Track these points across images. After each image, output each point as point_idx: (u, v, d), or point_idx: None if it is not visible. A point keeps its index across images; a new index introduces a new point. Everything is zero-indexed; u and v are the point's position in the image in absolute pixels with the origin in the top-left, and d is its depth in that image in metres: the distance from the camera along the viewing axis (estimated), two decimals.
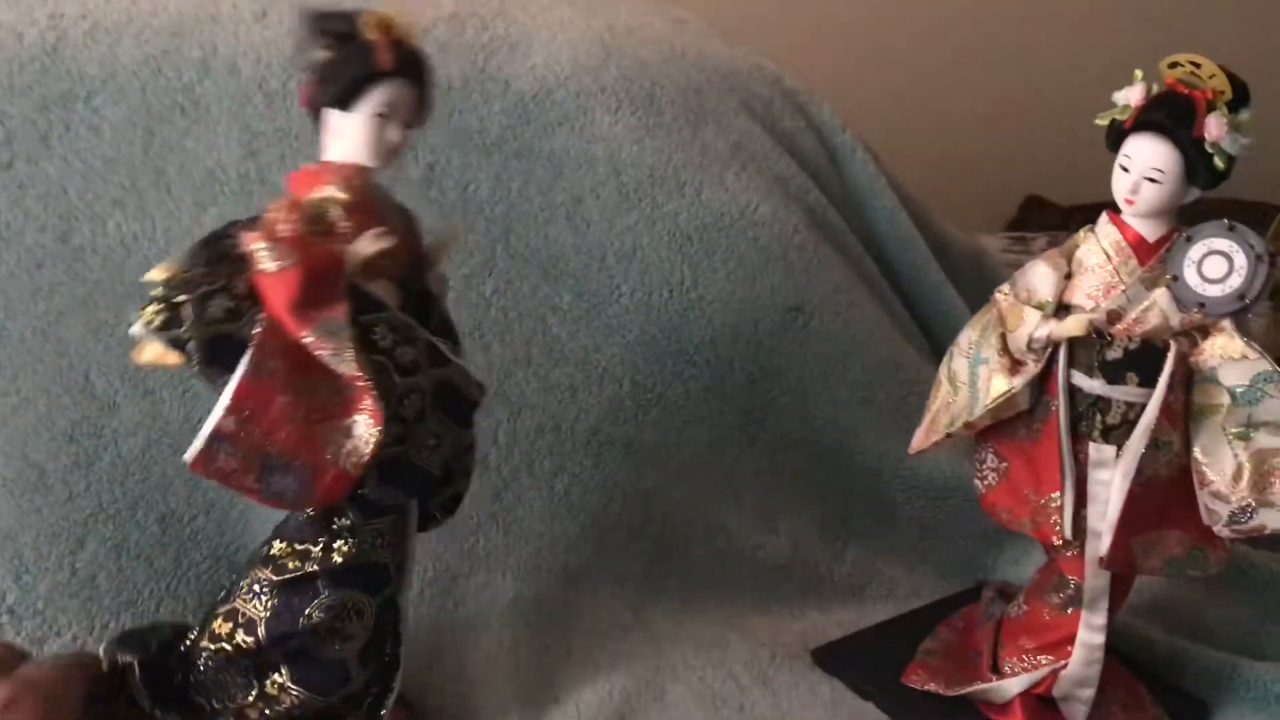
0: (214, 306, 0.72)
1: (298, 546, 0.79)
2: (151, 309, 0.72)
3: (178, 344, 0.72)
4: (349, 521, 0.79)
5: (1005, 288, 0.88)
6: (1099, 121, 0.83)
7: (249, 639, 0.79)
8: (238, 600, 0.80)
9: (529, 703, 0.92)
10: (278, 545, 0.80)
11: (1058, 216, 2.61)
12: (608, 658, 0.98)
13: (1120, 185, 0.82)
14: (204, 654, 0.81)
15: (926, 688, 0.95)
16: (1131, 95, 0.81)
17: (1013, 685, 0.92)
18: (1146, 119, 0.80)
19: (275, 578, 0.79)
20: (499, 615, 1.00)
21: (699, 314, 1.12)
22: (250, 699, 0.80)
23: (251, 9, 1.09)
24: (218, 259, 0.74)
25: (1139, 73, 0.81)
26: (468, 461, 0.85)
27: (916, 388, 1.14)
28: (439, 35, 1.12)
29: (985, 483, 0.93)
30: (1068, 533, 0.86)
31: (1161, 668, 1.00)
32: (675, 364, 1.12)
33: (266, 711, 0.80)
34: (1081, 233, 0.88)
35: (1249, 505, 0.81)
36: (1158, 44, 0.82)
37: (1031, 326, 0.85)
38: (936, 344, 1.24)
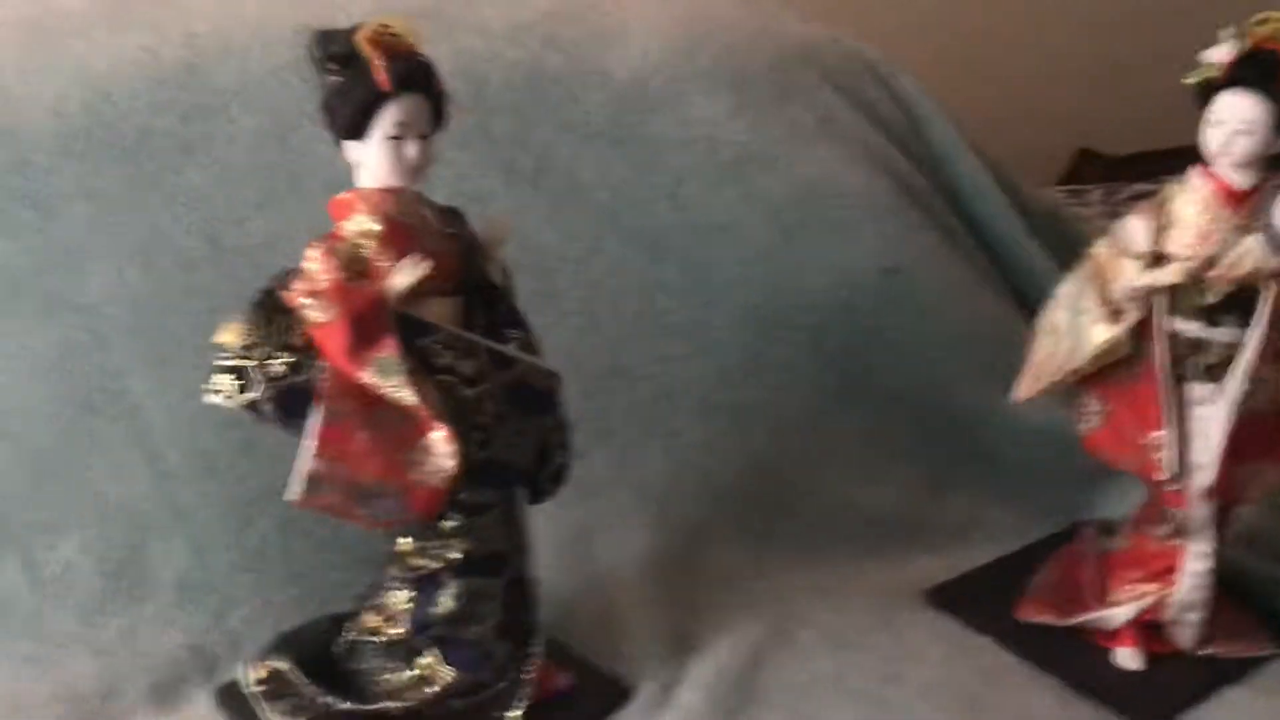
0: (276, 365, 0.78)
1: (420, 543, 0.86)
2: (222, 379, 0.78)
3: (254, 408, 0.78)
4: (456, 523, 0.85)
5: (1104, 242, 0.94)
6: (1188, 81, 0.88)
7: (397, 630, 0.88)
8: (382, 594, 0.89)
9: (671, 647, 0.99)
10: (403, 543, 0.87)
11: (1110, 168, 2.63)
12: (737, 605, 1.04)
13: (1212, 139, 0.88)
14: (362, 645, 0.89)
15: (1040, 619, 1.01)
16: (1220, 54, 0.86)
17: (1121, 612, 0.98)
18: (1237, 76, 0.85)
19: (407, 575, 0.87)
20: (633, 567, 1.07)
21: (798, 281, 1.18)
22: (409, 681, 0.88)
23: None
24: (273, 314, 0.79)
25: (1226, 31, 0.86)
26: (562, 437, 0.89)
27: (1009, 339, 1.18)
28: (540, 31, 1.19)
29: (1088, 425, 0.99)
30: (1172, 469, 0.92)
31: (1257, 594, 1.05)
32: (777, 330, 1.18)
33: (424, 691, 0.87)
34: (1172, 186, 0.93)
35: None
36: None
37: (1131, 277, 0.91)
38: (1022, 297, 1.29)
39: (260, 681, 0.89)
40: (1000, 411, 1.19)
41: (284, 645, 0.91)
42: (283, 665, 0.89)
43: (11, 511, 0.98)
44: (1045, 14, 2.57)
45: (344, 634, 0.92)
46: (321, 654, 0.92)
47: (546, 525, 1.07)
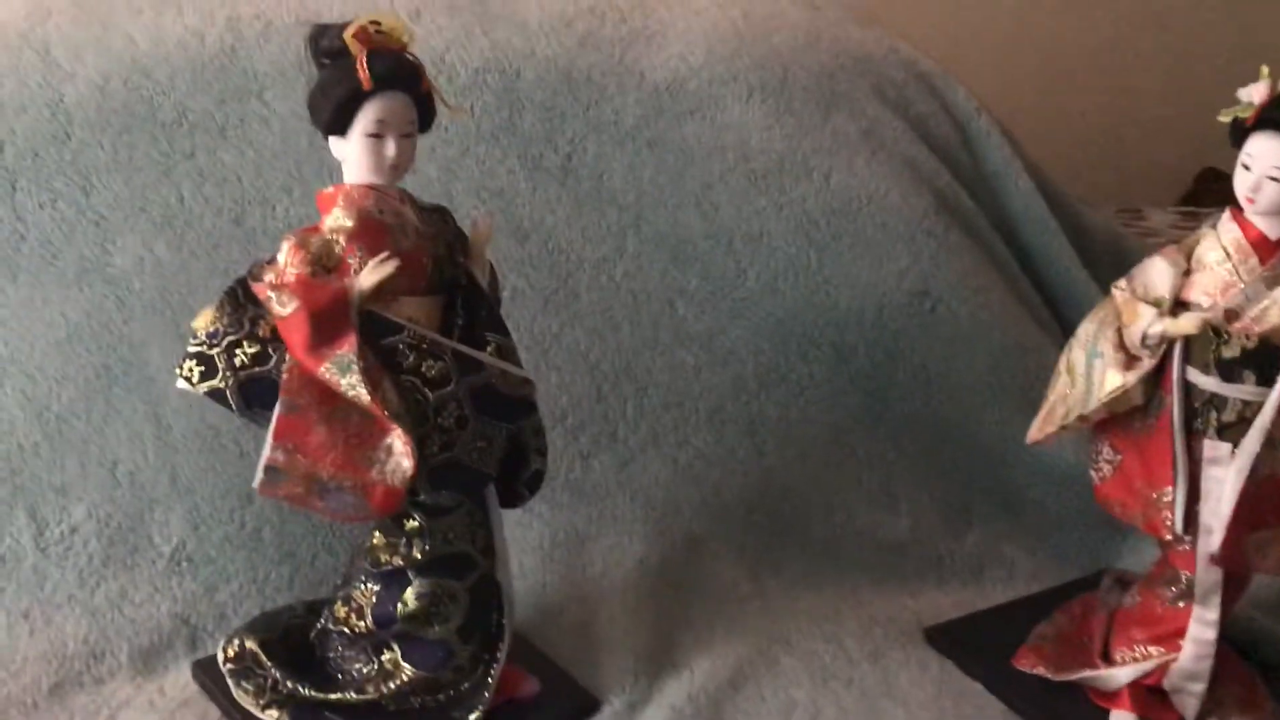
0: (240, 354, 0.78)
1: (389, 540, 0.86)
2: (189, 364, 0.78)
3: (218, 395, 0.78)
4: (417, 524, 0.85)
5: (1122, 282, 0.89)
6: (1221, 119, 0.82)
7: (361, 623, 0.88)
8: (351, 586, 0.89)
9: (649, 662, 0.97)
10: (376, 536, 0.87)
11: (1232, 189, 2.48)
12: (724, 625, 1.02)
13: (1241, 183, 0.82)
14: (332, 634, 0.90)
15: (1035, 671, 0.96)
16: (1255, 93, 0.80)
17: (1122, 674, 0.93)
18: (1268, 117, 0.79)
19: (373, 569, 0.87)
20: (624, 577, 1.06)
21: (824, 297, 1.15)
22: (371, 674, 0.88)
23: (407, 8, 1.16)
24: (243, 304, 0.79)
25: (1265, 69, 0.80)
26: (539, 443, 0.88)
27: (1043, 373, 1.12)
28: (579, 28, 1.18)
29: (1100, 474, 0.94)
30: (1178, 528, 0.87)
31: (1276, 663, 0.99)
32: (799, 345, 1.15)
33: (384, 686, 0.88)
34: (1203, 229, 0.87)
35: None
36: None
37: (1146, 323, 0.85)
38: (1069, 329, 1.22)
39: (229, 659, 0.91)
40: (1028, 448, 1.13)
41: (258, 625, 0.93)
42: (252, 645, 0.91)
43: (27, 470, 1.02)
44: (1173, 25, 2.46)
45: (320, 621, 0.93)
46: (294, 638, 0.93)
47: (540, 527, 1.08)
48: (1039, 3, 2.35)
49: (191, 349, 0.79)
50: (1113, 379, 0.88)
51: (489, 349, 0.84)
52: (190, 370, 0.79)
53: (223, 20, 1.14)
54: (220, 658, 0.91)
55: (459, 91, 1.14)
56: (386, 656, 0.89)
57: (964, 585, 1.12)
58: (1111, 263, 1.31)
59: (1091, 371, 0.90)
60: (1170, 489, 0.87)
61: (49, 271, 1.07)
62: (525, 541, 1.06)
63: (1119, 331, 0.88)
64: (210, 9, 1.14)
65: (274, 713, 0.88)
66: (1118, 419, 0.91)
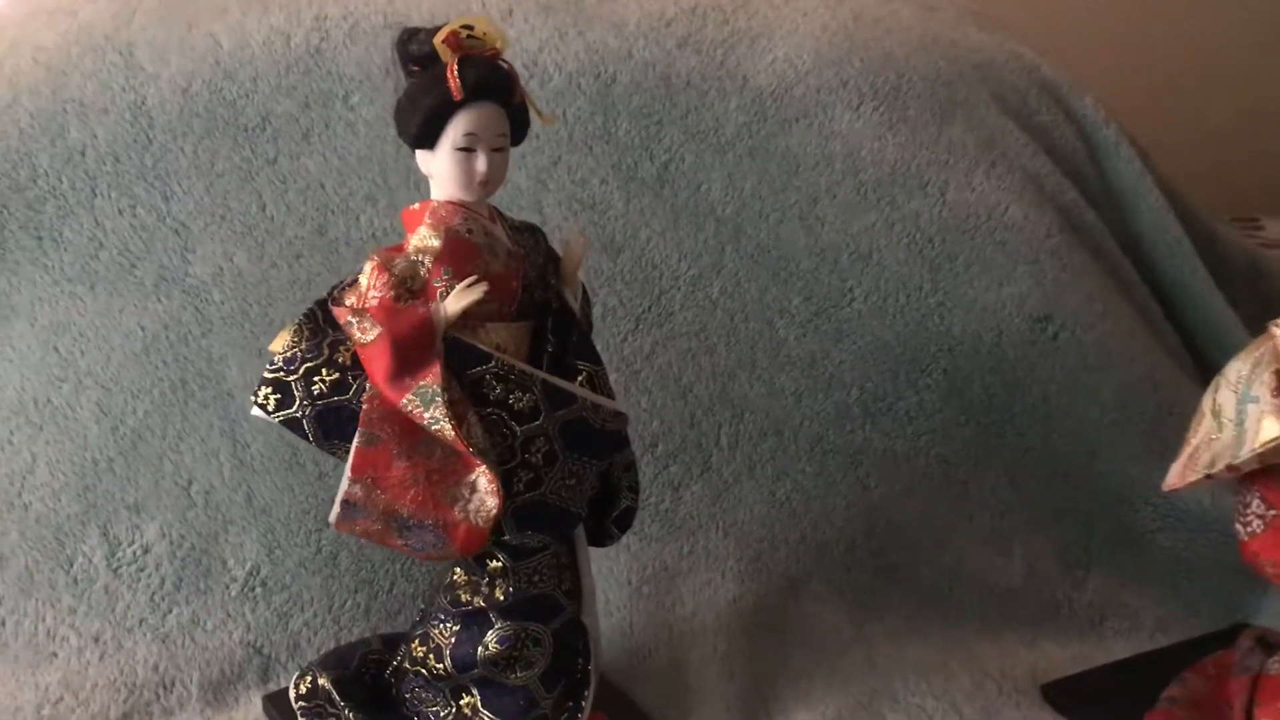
0: (318, 382, 0.73)
1: (470, 578, 0.81)
2: (264, 391, 0.73)
3: (294, 424, 0.73)
4: (501, 564, 0.79)
5: None
6: None
7: (439, 664, 0.82)
8: (429, 625, 0.84)
9: (741, 712, 0.91)
10: (457, 573, 0.82)
11: None
12: (824, 674, 0.96)
13: None
14: (409, 674, 0.85)
15: None
16: None
17: None
18: None
19: (453, 609, 0.82)
20: (716, 618, 1.00)
21: (937, 321, 1.08)
22: (448, 718, 0.83)
23: (499, 8, 1.11)
24: (323, 327, 0.74)
25: None
26: (630, 479, 0.83)
27: (1175, 408, 1.05)
28: (679, 29, 1.12)
29: (1248, 529, 0.85)
30: None
31: None
32: (909, 372, 1.08)
33: None
34: None
35: None
36: None
37: None
38: (1201, 359, 1.14)
39: (301, 696, 0.86)
40: (1157, 490, 1.04)
41: (331, 661, 0.88)
42: (324, 682, 0.86)
43: (101, 486, 0.99)
44: None
45: (396, 659, 0.88)
46: (369, 674, 0.88)
47: (628, 561, 1.02)
48: (1161, 5, 2.24)
49: (268, 375, 0.74)
50: (1270, 428, 0.79)
51: (580, 379, 0.78)
52: (266, 398, 0.74)
53: (309, 20, 1.09)
54: (292, 694, 0.87)
55: (551, 96, 1.08)
56: (465, 701, 0.83)
57: (1083, 636, 1.04)
58: (1247, 288, 1.21)
59: (1244, 417, 0.81)
60: None
61: (127, 280, 1.04)
62: (612, 576, 1.00)
63: (1277, 375, 0.80)
64: (298, 8, 1.10)
65: None
66: (1272, 470, 0.82)
